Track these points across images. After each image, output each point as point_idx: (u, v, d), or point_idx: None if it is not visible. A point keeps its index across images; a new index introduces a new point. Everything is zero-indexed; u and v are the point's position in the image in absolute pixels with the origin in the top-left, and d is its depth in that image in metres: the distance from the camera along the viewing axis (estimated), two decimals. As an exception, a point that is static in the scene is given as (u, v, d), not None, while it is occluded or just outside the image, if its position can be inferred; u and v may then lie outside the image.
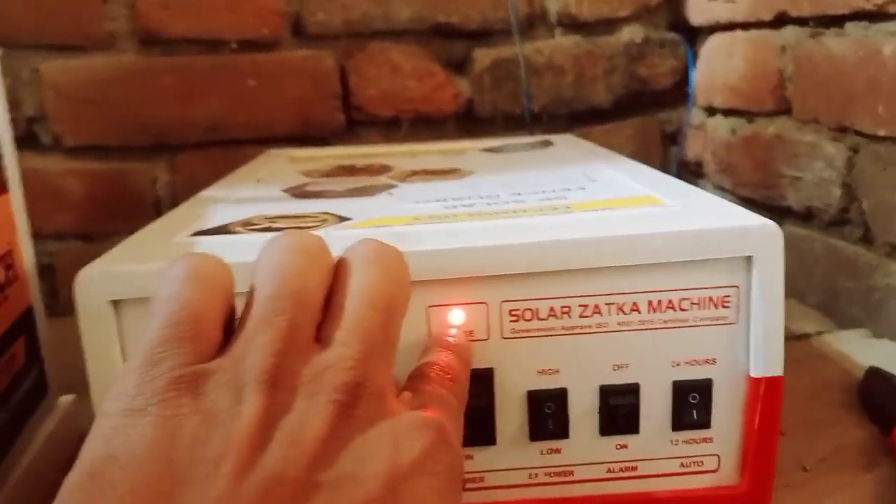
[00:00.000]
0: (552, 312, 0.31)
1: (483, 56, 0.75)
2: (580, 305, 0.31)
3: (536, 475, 0.33)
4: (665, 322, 0.31)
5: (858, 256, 0.58)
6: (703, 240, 0.31)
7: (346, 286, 0.24)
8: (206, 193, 0.46)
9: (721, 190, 0.76)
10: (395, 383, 0.24)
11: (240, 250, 0.32)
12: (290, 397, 0.20)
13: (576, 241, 0.31)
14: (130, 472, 0.18)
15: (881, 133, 0.54)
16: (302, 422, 0.20)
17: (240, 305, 0.23)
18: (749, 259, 0.31)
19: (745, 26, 0.70)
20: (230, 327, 0.23)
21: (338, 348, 0.22)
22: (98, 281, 0.30)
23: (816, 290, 0.62)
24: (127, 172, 0.71)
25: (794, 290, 0.64)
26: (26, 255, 0.44)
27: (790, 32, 0.64)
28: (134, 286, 0.30)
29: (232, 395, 0.20)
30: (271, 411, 0.20)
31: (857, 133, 0.57)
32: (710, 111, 0.78)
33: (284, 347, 0.21)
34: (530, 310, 0.31)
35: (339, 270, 0.25)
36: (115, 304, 0.30)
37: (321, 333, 0.22)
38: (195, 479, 0.18)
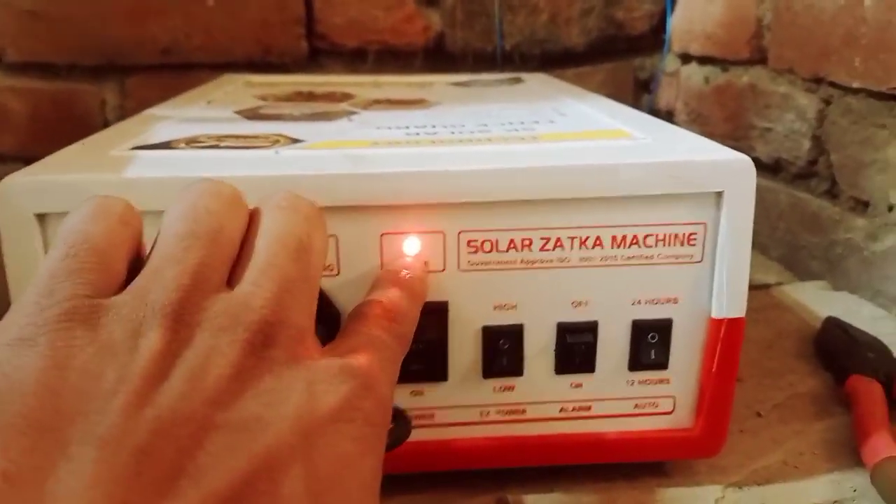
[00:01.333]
0: (512, 245, 0.30)
1: (455, -12, 0.72)
2: (542, 238, 0.30)
3: (488, 413, 0.32)
4: (628, 259, 0.30)
5: (823, 210, 0.57)
6: (673, 173, 0.29)
7: (258, 229, 0.22)
8: (152, 111, 0.43)
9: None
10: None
11: (181, 166, 0.30)
12: (194, 333, 0.19)
13: (539, 170, 0.29)
14: (11, 403, 0.16)
15: (856, 85, 0.53)
16: (205, 358, 0.18)
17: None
18: (719, 195, 0.29)
19: (726, -30, 0.68)
20: (136, 268, 0.21)
21: (248, 287, 0.20)
22: (22, 191, 0.28)
23: (779, 244, 0.62)
24: (74, 93, 0.67)
25: (757, 242, 0.63)
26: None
27: (771, -22, 0.62)
28: (62, 198, 0.28)
29: (131, 328, 0.18)
30: (172, 347, 0.18)
31: (832, 85, 0.56)
32: (685, 58, 0.76)
33: (192, 284, 0.19)
34: (489, 241, 0.30)
35: (252, 217, 0.23)
36: (41, 217, 0.28)
37: (233, 277, 0.21)
38: (83, 413, 0.16)
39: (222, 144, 0.33)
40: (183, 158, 0.31)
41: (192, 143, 0.34)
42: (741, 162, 0.29)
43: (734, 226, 0.30)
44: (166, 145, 0.33)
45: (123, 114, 0.68)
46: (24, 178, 0.28)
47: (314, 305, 0.22)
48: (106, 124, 0.68)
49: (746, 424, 0.38)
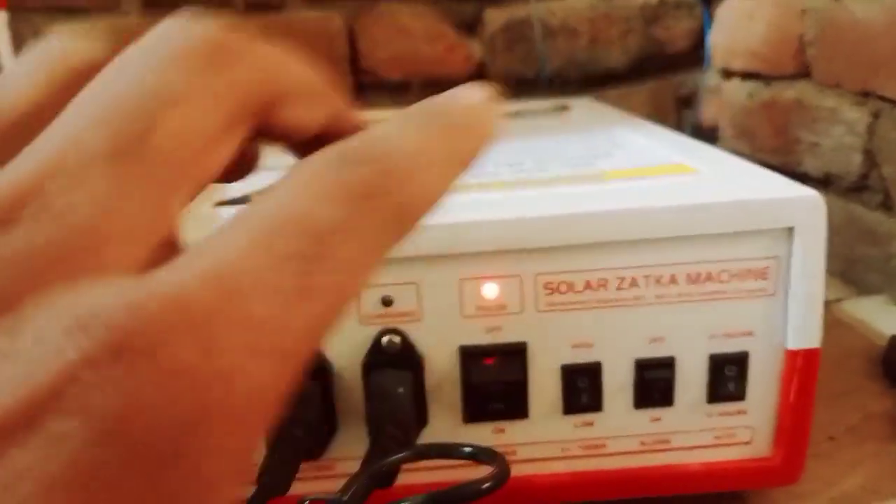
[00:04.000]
0: (588, 285, 0.31)
1: (495, 17, 0.73)
2: (617, 278, 0.31)
3: (569, 448, 0.33)
4: (703, 294, 0.31)
5: (878, 223, 0.57)
6: (744, 211, 0.30)
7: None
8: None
9: (737, 155, 0.75)
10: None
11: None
12: None
13: (612, 213, 0.30)
14: None
15: (907, 98, 0.53)
16: None
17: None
18: (790, 230, 0.30)
19: (766, -14, 0.68)
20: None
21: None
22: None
23: (835, 258, 0.62)
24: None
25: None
26: None
27: (813, -7, 0.62)
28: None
29: None
30: None
31: (881, 98, 0.56)
32: (727, 74, 0.76)
33: None
34: (566, 283, 0.31)
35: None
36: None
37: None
38: None
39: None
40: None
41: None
42: (811, 198, 0.30)
43: (806, 259, 0.30)
44: (246, 200, 0.35)
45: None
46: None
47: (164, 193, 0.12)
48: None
49: (820, 448, 0.38)
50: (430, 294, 0.30)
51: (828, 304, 0.56)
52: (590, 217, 0.30)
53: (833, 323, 0.53)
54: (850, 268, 0.60)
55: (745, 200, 0.30)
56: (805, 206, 0.30)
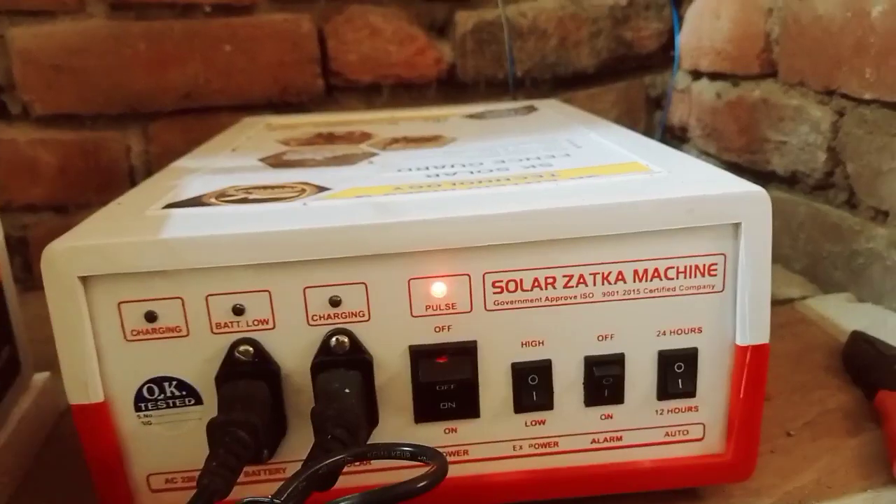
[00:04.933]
0: (536, 283, 0.31)
1: (465, 18, 0.73)
2: (564, 276, 0.31)
3: (521, 447, 0.33)
4: (651, 291, 0.31)
5: (843, 220, 0.57)
6: (690, 207, 0.30)
7: None
8: (180, 163, 0.45)
9: (706, 154, 0.75)
10: None
11: (213, 223, 0.31)
12: None
13: (559, 211, 0.30)
14: None
15: (868, 96, 0.53)
16: None
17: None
18: (737, 226, 0.30)
19: (732, -13, 0.69)
20: None
21: None
22: (66, 257, 0.29)
23: (800, 255, 0.62)
24: (100, 142, 0.69)
25: (779, 255, 0.64)
26: (-6, 230, 0.42)
27: (777, -7, 0.63)
28: (103, 261, 0.29)
29: None
30: None
31: (844, 96, 0.56)
32: (696, 75, 0.77)
33: None
34: (514, 281, 0.31)
35: None
36: (84, 279, 0.29)
37: None
38: None
39: (251, 197, 0.34)
40: (214, 215, 0.32)
41: (221, 196, 0.35)
42: (756, 194, 0.30)
43: (753, 255, 0.30)
44: (197, 201, 0.34)
45: (148, 158, 0.70)
46: (67, 244, 0.29)
47: None
48: (131, 170, 0.70)
49: (777, 443, 0.39)
50: (378, 294, 0.30)
51: (792, 302, 0.56)
52: (537, 214, 0.30)
53: (797, 319, 0.53)
54: (815, 265, 0.61)
55: (691, 197, 0.30)
56: (751, 201, 0.30)
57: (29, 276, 0.67)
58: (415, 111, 0.65)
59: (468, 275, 0.30)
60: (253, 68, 0.70)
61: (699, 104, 0.76)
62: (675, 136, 0.81)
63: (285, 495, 0.23)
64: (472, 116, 0.60)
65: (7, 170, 0.67)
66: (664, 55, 0.80)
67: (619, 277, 0.31)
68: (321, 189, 0.35)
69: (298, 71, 0.71)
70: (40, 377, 0.45)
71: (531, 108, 0.61)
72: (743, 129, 0.69)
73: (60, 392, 0.46)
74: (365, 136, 0.51)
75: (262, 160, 0.44)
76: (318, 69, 0.72)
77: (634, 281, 0.31)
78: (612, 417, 0.32)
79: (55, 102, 0.68)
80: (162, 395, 0.31)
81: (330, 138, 0.52)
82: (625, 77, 0.80)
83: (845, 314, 0.53)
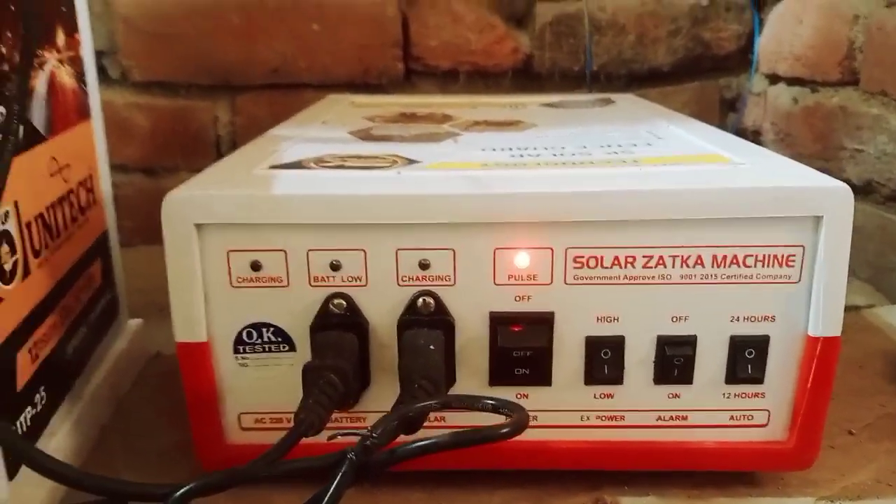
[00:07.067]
0: (616, 261, 0.32)
1: (546, 10, 0.74)
2: (644, 256, 0.32)
3: (588, 417, 0.34)
4: (728, 277, 0.32)
5: (917, 233, 0.57)
6: (774, 198, 0.31)
7: None
8: (276, 132, 0.47)
9: (778, 160, 0.75)
10: None
11: (318, 184, 0.33)
12: None
13: (644, 193, 0.31)
14: None
15: (953, 108, 0.53)
16: None
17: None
18: (818, 219, 0.31)
19: (818, -8, 0.68)
20: None
21: None
22: (184, 205, 0.32)
23: (868, 266, 0.62)
24: (190, 110, 0.73)
25: (847, 263, 0.63)
26: (104, 182, 0.46)
27: (863, 0, 0.62)
28: (217, 211, 0.31)
29: None
30: None
31: (928, 107, 0.56)
32: (773, 79, 0.76)
33: None
34: (594, 257, 0.32)
35: None
36: (199, 227, 0.32)
37: None
38: None
39: (347, 164, 0.37)
40: (316, 177, 0.34)
41: (319, 162, 0.37)
42: (840, 189, 0.31)
43: (832, 249, 0.31)
44: (298, 165, 0.37)
45: (234, 129, 0.74)
46: (185, 193, 0.32)
47: None
48: (217, 139, 0.74)
49: (837, 441, 0.39)
50: (465, 260, 0.32)
51: (858, 309, 0.56)
52: (622, 195, 0.31)
53: (862, 326, 0.53)
54: (881, 276, 0.60)
55: (775, 187, 0.31)
56: (834, 196, 0.31)
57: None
58: (492, 98, 0.67)
59: (551, 248, 0.32)
60: (338, 48, 0.73)
61: (774, 108, 0.76)
62: (747, 140, 0.81)
63: (379, 430, 0.25)
64: (549, 105, 0.61)
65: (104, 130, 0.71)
66: (741, 57, 0.79)
67: (698, 262, 0.32)
68: (411, 161, 0.37)
69: (381, 53, 0.73)
70: (133, 323, 0.48)
71: (608, 101, 0.62)
72: (818, 135, 0.68)
73: (150, 338, 0.49)
74: (446, 118, 0.53)
75: (351, 133, 0.46)
76: (400, 53, 0.74)
77: (712, 266, 0.32)
78: (679, 397, 0.34)
79: (152, 70, 0.72)
80: (259, 340, 0.33)
81: (413, 118, 0.54)
82: (700, 77, 0.80)
83: (913, 325, 0.53)
